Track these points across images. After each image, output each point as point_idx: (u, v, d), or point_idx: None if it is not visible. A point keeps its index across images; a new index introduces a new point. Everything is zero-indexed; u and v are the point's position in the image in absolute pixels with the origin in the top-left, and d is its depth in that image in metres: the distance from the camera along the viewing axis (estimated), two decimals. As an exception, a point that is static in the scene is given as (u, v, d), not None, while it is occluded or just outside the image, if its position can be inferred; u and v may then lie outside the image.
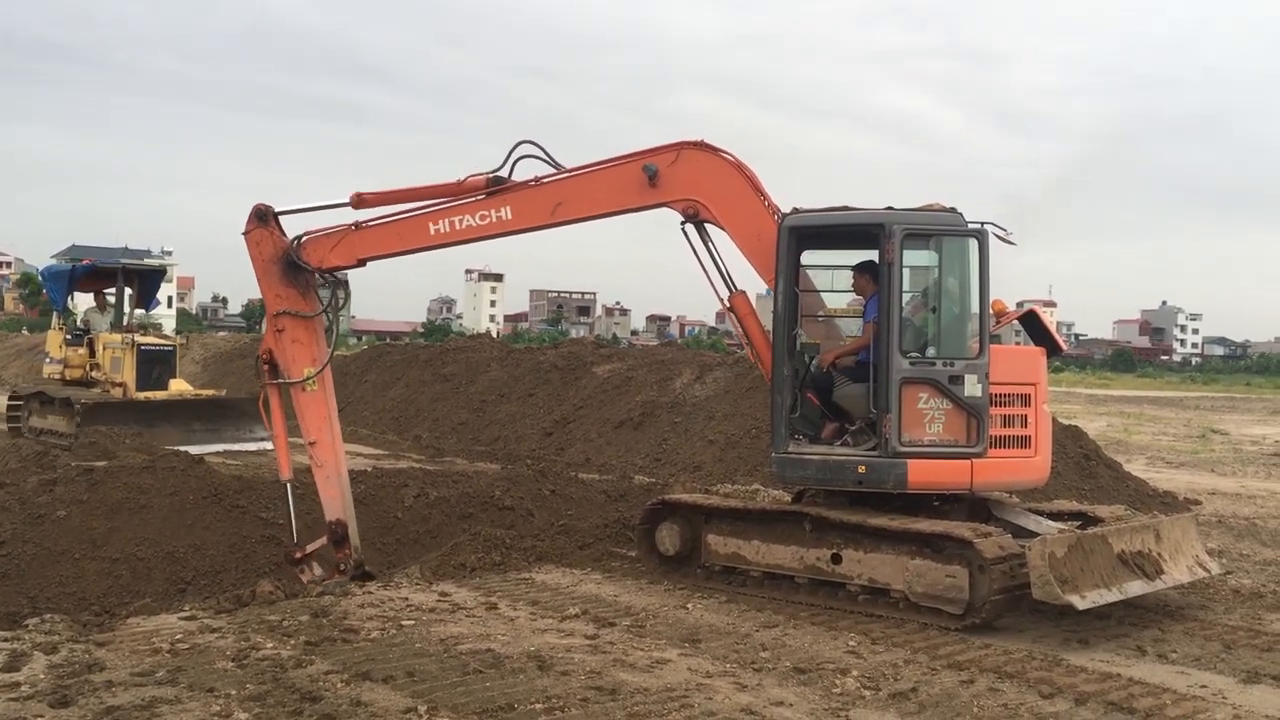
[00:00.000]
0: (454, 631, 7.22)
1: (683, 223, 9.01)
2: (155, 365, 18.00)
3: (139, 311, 19.93)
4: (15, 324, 79.84)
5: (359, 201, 9.39)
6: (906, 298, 8.49)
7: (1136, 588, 7.93)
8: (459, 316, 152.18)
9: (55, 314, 20.62)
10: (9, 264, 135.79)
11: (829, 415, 8.88)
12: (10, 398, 19.94)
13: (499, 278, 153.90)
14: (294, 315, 9.52)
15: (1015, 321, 9.37)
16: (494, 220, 9.13)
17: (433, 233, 9.30)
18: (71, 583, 10.01)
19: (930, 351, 8.41)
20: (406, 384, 25.12)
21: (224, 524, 11.19)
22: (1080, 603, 7.36)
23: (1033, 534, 8.17)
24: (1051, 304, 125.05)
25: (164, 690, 5.82)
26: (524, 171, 9.14)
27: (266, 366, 9.67)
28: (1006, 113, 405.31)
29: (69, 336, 19.16)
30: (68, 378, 18.77)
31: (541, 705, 5.77)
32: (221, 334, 62.17)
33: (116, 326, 18.98)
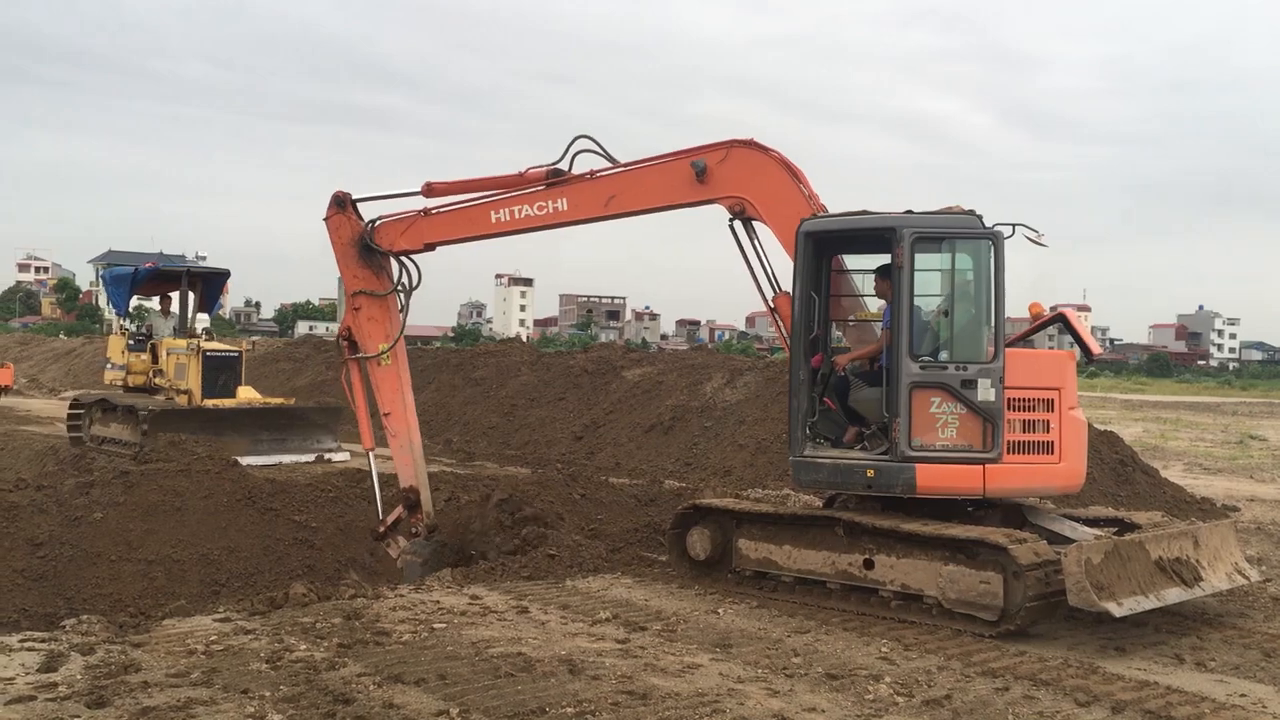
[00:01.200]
0: (485, 635, 7.24)
1: (730, 220, 9.09)
2: (221, 372, 17.58)
3: (201, 315, 19.80)
4: (53, 328, 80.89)
5: (429, 190, 9.95)
6: (919, 301, 8.41)
7: (1174, 595, 7.83)
8: (489, 321, 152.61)
9: (117, 318, 20.19)
10: (46, 269, 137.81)
11: (848, 419, 8.85)
12: (71, 405, 19.42)
13: (528, 282, 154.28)
14: (369, 294, 10.17)
15: (1050, 324, 9.27)
16: (551, 211, 9.51)
17: (494, 221, 9.72)
18: (108, 584, 10.14)
19: (943, 355, 8.31)
20: (437, 388, 25.23)
21: (257, 527, 11.31)
22: (1117, 610, 7.28)
23: (1068, 540, 8.09)
24: (1085, 308, 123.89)
25: (199, 691, 5.86)
26: (582, 166, 9.47)
27: (346, 343, 10.35)
28: (1039, 114, 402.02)
29: (131, 342, 18.74)
30: (130, 384, 18.36)
31: (572, 709, 5.77)
32: (255, 338, 62.79)
33: (180, 331, 18.56)
